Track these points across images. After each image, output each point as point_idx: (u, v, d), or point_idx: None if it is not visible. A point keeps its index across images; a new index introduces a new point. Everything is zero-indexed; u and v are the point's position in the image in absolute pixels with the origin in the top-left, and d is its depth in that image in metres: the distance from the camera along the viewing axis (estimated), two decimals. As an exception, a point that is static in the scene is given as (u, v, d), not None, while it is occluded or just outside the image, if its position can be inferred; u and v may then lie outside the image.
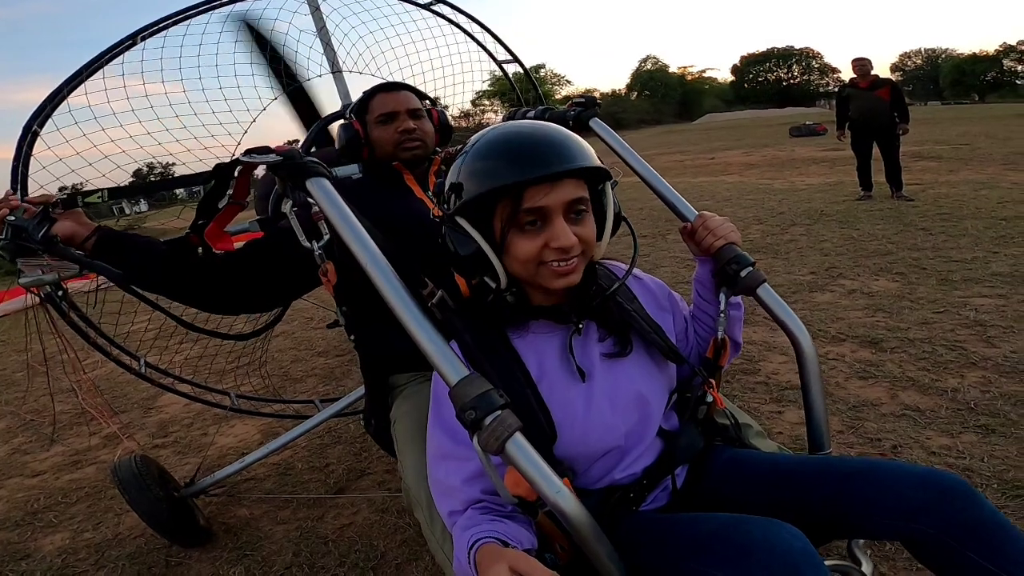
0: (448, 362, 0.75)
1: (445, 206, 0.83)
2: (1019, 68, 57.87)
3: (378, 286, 0.81)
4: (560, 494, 0.70)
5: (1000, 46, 58.32)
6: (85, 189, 1.06)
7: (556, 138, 0.78)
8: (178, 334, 1.87)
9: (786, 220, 5.41)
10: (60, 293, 1.69)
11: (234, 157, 1.01)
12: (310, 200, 0.93)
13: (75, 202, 1.05)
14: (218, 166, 1.00)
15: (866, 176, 5.99)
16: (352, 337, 1.39)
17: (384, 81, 1.43)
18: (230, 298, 1.21)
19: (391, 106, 1.34)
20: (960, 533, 0.72)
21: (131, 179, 1.96)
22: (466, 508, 0.80)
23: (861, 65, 5.88)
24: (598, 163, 0.79)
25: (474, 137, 0.83)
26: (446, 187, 0.84)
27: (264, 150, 0.95)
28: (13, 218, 1.00)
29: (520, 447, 0.69)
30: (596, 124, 1.32)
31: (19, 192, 1.65)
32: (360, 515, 1.82)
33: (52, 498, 2.30)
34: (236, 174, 1.01)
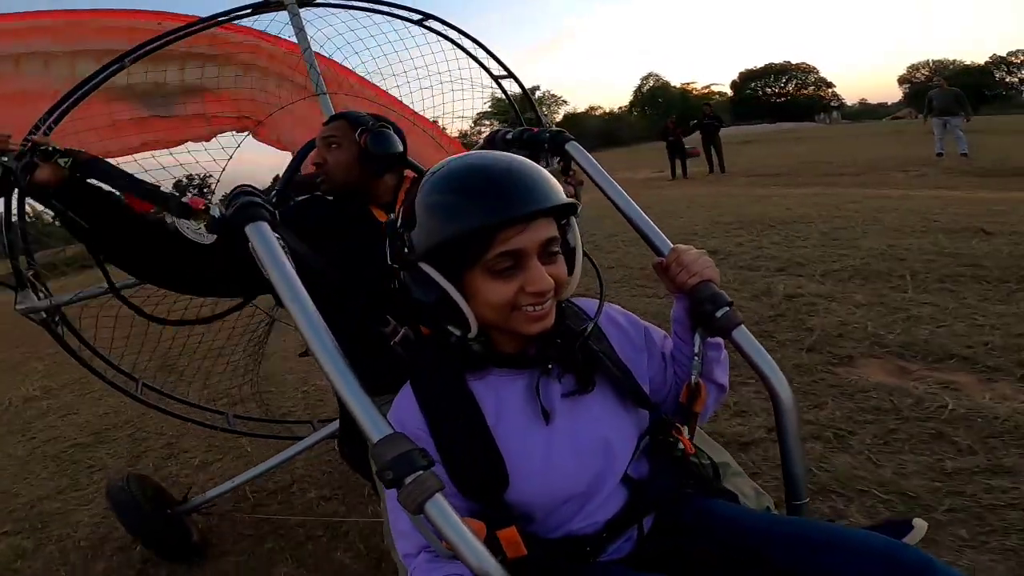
0: (370, 419, 0.69)
1: (404, 248, 0.72)
2: (1009, 80, 56.25)
3: (305, 337, 0.73)
4: (482, 560, 0.63)
5: (990, 57, 56.76)
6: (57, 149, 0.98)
7: (525, 173, 0.69)
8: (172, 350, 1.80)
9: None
10: (56, 319, 1.62)
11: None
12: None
13: (53, 154, 0.96)
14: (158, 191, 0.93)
15: (709, 163, 11.68)
16: None
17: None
18: (201, 279, 1.07)
19: (323, 132, 1.26)
20: None
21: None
22: (419, 552, 0.74)
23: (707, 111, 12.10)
24: (567, 198, 0.71)
25: (431, 169, 0.72)
26: (398, 223, 0.73)
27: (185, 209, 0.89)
28: (6, 159, 0.97)
29: (440, 509, 0.64)
30: (572, 147, 1.20)
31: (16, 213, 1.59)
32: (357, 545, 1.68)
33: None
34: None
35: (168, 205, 0.93)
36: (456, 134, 2.74)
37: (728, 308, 0.86)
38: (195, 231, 0.93)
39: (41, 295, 1.59)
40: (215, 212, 0.85)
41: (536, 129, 1.26)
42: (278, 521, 1.84)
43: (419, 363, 0.79)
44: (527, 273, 0.68)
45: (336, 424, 1.96)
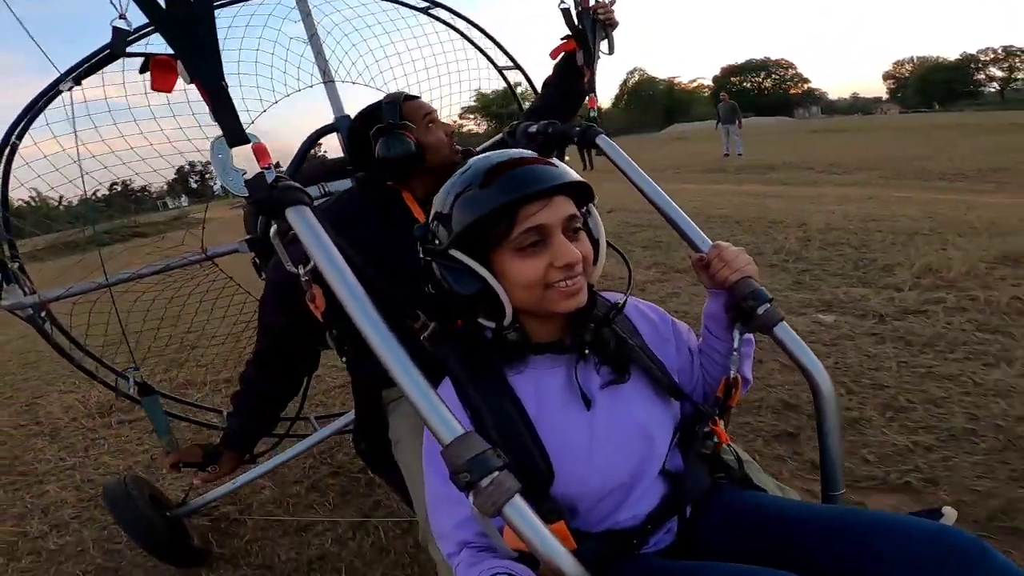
0: (440, 419, 0.67)
1: (435, 242, 0.75)
2: (979, 77, 58.05)
3: (362, 330, 0.71)
4: (559, 557, 0.64)
5: (960, 55, 58.41)
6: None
7: (538, 160, 0.76)
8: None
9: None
10: (43, 315, 1.55)
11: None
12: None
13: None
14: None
15: (582, 161, 11.35)
16: (344, 359, 1.27)
17: (394, 93, 1.22)
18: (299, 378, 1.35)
19: (427, 108, 1.17)
20: None
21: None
22: (461, 549, 0.75)
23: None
24: (582, 179, 0.76)
25: (461, 168, 0.77)
26: (431, 220, 0.77)
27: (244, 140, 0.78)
28: None
29: (519, 510, 0.63)
30: (603, 141, 1.20)
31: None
32: (358, 541, 1.66)
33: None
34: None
35: (224, 118, 0.75)
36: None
37: (769, 304, 0.87)
38: (229, 169, 0.82)
39: (27, 290, 1.53)
40: (271, 176, 0.76)
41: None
42: (280, 523, 1.81)
43: (455, 358, 0.79)
44: (554, 248, 0.71)
45: (339, 422, 1.93)
